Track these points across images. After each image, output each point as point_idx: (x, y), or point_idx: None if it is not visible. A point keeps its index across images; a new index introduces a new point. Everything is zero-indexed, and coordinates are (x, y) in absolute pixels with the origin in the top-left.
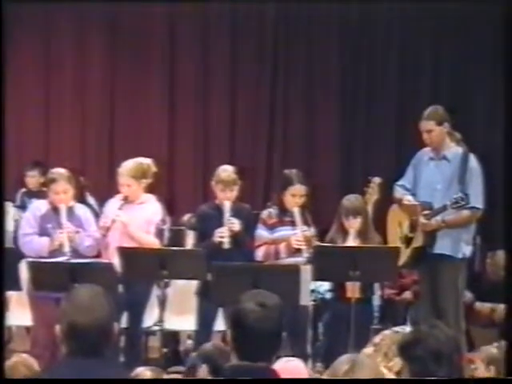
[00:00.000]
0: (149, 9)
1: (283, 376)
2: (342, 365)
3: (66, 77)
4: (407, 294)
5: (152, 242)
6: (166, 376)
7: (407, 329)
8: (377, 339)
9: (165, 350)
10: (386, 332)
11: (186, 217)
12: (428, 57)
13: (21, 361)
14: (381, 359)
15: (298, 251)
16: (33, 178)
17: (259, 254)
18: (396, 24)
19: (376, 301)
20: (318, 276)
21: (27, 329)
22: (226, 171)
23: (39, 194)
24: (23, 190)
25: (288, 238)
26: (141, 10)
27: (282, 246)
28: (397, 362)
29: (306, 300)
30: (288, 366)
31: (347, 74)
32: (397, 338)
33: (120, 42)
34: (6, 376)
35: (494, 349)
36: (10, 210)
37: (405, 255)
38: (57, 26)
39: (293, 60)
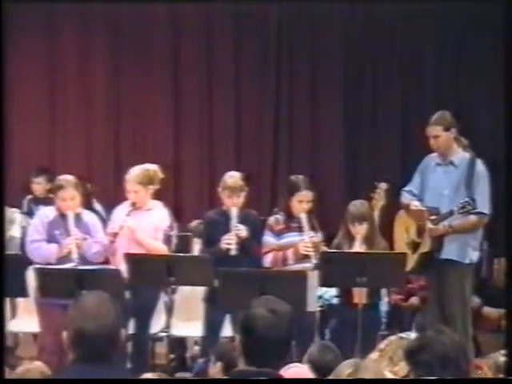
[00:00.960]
0: (151, 10)
1: None
2: (345, 368)
3: (71, 82)
4: (414, 300)
5: (159, 248)
6: None
7: (412, 335)
8: (382, 345)
9: (172, 356)
10: (392, 337)
11: (193, 223)
12: (430, 59)
13: (33, 368)
14: (386, 364)
15: (305, 257)
16: (39, 185)
17: (266, 260)
18: (398, 25)
19: (383, 306)
20: (325, 282)
21: (34, 335)
22: (233, 177)
23: (46, 201)
24: (29, 196)
25: (295, 243)
26: (143, 13)
27: (290, 252)
28: (402, 367)
29: (313, 306)
30: (294, 372)
31: (352, 77)
32: (402, 343)
33: (123, 45)
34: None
35: (502, 356)
36: (17, 216)
37: (412, 261)
38: (58, 27)
39: (297, 63)
